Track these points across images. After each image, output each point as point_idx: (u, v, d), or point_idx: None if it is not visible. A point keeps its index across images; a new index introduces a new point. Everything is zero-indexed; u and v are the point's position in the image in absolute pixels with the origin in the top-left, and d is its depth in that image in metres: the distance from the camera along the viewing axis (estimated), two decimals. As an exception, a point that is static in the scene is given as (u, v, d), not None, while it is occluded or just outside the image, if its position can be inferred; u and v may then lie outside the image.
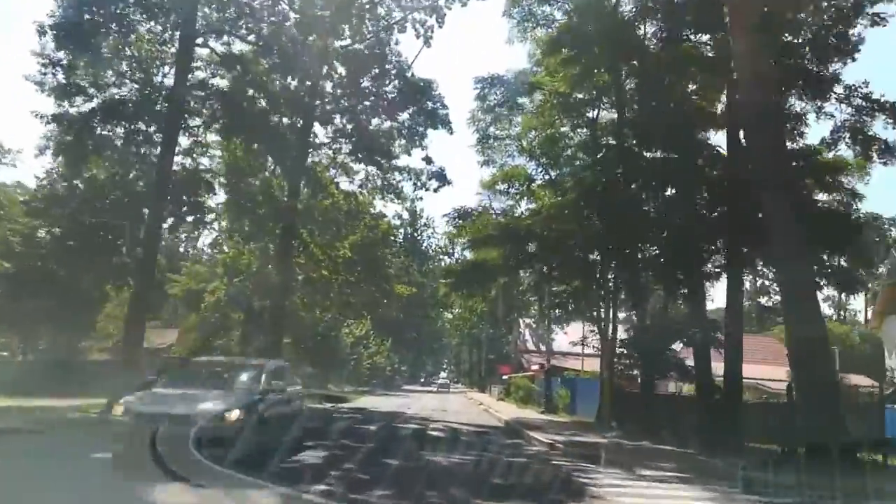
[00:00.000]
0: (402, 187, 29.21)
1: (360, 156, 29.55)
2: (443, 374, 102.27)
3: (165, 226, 23.27)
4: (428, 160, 26.41)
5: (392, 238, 40.14)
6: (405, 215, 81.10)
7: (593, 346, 26.02)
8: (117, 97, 20.54)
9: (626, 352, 21.57)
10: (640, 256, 22.59)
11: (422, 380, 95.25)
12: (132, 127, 21.05)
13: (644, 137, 21.67)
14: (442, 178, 26.29)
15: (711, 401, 19.60)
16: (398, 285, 35.41)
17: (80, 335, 38.03)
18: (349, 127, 29.01)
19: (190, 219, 22.99)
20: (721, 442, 15.79)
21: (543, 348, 57.49)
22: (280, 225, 27.35)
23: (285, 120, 26.83)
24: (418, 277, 68.70)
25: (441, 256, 74.44)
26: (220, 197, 26.44)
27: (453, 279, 24.25)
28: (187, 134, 22.97)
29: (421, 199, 29.89)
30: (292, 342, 41.04)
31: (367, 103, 28.20)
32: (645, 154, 22.12)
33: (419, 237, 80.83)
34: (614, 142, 23.31)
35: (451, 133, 25.71)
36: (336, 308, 32.92)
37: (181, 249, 49.13)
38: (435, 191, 26.64)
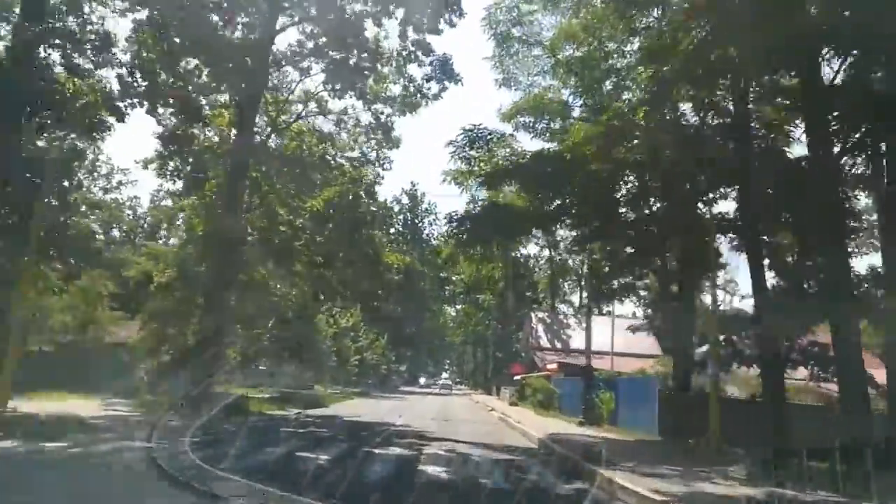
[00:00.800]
0: (392, 122, 21.56)
1: (336, 88, 22.08)
2: (444, 375, 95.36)
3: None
4: (425, 48, 18.28)
5: (389, 214, 32.60)
6: (404, 199, 74.24)
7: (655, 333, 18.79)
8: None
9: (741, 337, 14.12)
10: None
11: (421, 380, 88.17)
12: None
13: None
14: (446, 71, 18.18)
15: (866, 410, 12.42)
16: (388, 253, 27.70)
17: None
18: (322, 42, 21.58)
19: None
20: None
21: (559, 345, 50.66)
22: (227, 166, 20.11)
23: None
24: (418, 266, 61.91)
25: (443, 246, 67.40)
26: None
27: (462, 229, 16.39)
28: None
29: (418, 108, 20.02)
30: (262, 330, 34.16)
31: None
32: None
33: (419, 223, 73.65)
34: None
35: (462, 16, 17.58)
36: (302, 282, 25.31)
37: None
38: (436, 97, 18.80)
